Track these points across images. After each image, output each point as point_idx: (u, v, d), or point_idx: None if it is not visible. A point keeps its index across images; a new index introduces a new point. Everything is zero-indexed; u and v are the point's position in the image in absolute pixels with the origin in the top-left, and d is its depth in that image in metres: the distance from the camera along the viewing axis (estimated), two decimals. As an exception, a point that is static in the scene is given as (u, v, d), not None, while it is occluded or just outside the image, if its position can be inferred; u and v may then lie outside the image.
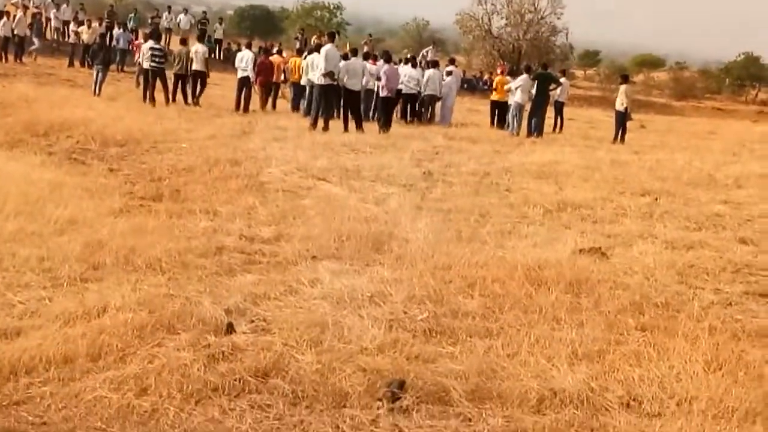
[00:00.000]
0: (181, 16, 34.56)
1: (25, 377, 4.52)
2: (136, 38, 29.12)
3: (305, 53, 21.68)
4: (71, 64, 28.48)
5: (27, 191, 8.61)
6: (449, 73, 22.07)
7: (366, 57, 21.04)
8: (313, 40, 28.89)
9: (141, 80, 22.28)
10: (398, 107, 20.56)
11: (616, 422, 4.44)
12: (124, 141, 13.35)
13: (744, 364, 5.22)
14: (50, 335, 4.99)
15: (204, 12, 40.34)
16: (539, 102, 20.38)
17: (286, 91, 23.56)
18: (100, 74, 21.32)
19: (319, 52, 17.76)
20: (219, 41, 35.55)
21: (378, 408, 4.43)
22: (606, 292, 6.64)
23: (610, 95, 35.30)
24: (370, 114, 20.09)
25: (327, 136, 15.74)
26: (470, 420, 4.42)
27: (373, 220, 8.81)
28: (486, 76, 35.76)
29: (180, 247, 7.20)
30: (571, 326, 5.77)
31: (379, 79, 19.50)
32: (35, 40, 28.20)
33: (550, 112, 22.08)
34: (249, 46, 22.57)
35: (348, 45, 25.16)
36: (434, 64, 21.92)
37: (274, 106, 22.42)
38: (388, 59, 20.11)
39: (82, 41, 28.39)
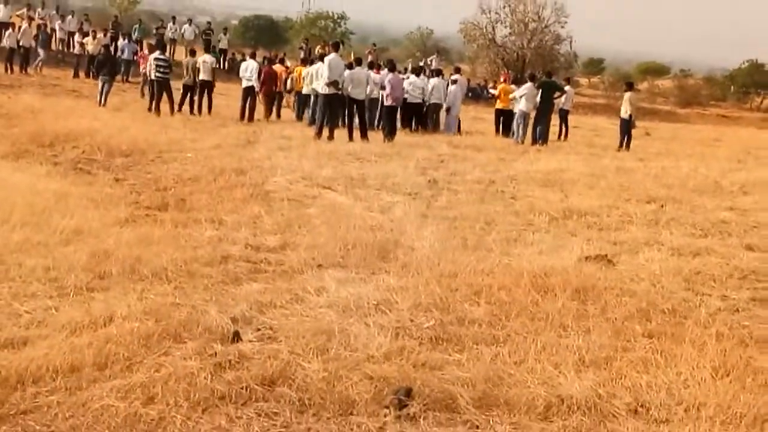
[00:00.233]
0: (186, 26, 34.75)
1: (32, 386, 4.52)
2: (141, 49, 29.20)
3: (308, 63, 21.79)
4: (76, 74, 28.57)
5: (33, 201, 8.62)
6: (454, 82, 22.10)
7: (370, 66, 21.09)
8: (317, 49, 28.97)
9: (146, 90, 22.38)
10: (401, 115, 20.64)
11: (624, 429, 4.43)
12: (130, 151, 13.37)
13: (752, 371, 5.20)
14: (57, 344, 4.99)
15: (209, 22, 40.57)
16: (544, 110, 20.39)
17: (291, 100, 23.64)
18: (106, 85, 21.37)
19: (323, 61, 17.81)
20: (224, 51, 35.64)
21: (385, 415, 4.42)
22: (613, 299, 6.63)
23: (614, 103, 35.35)
24: (375, 123, 20.13)
25: (332, 145, 15.76)
26: (477, 427, 4.41)
27: (379, 228, 8.80)
28: (490, 84, 35.75)
29: (186, 256, 7.21)
30: (577, 333, 5.76)
31: (383, 88, 19.53)
32: (40, 51, 28.28)
33: (555, 120, 22.11)
34: (253, 56, 22.68)
35: (352, 54, 25.22)
36: (438, 73, 21.92)
37: (278, 115, 22.48)
38: (392, 68, 20.15)
39: (87, 52, 28.52)
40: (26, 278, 6.35)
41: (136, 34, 31.84)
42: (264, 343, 5.35)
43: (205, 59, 21.63)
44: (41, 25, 30.17)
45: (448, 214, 9.93)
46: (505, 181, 12.54)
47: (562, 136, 22.71)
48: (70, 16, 33.39)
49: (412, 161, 13.81)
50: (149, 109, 20.23)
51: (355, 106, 17.71)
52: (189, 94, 21.20)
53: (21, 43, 27.57)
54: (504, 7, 43.89)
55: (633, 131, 21.00)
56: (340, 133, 17.28)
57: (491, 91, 25.36)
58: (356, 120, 17.82)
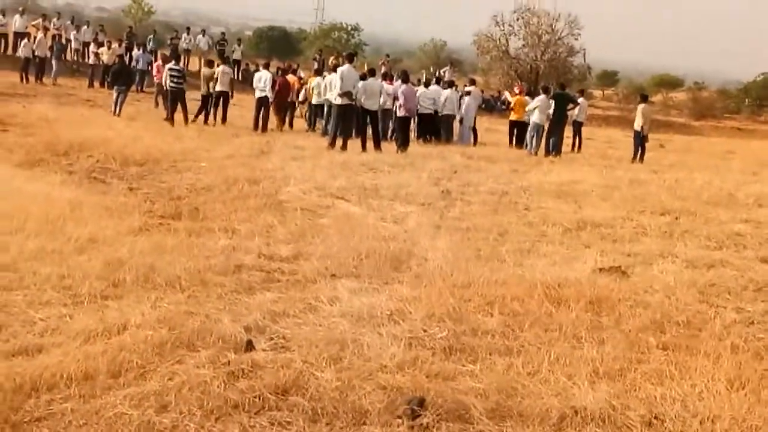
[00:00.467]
0: (200, 37, 34.92)
1: (46, 394, 4.54)
2: (155, 59, 29.36)
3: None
4: (91, 84, 28.74)
5: (48, 210, 8.65)
6: (468, 93, 22.12)
7: (383, 77, 21.14)
8: (331, 60, 29.06)
9: (160, 100, 22.48)
10: (417, 127, 20.70)
11: (639, 441, 4.41)
12: (144, 160, 13.41)
13: (767, 383, 5.16)
14: (71, 352, 5.02)
15: (222, 33, 40.76)
16: (557, 122, 20.41)
17: (303, 110, 23.71)
18: (120, 95, 21.48)
19: (336, 72, 17.85)
20: (237, 62, 35.76)
21: (398, 425, 4.42)
22: (627, 311, 6.61)
23: (628, 115, 35.23)
24: (388, 134, 20.17)
25: (345, 156, 15.77)
26: (491, 438, 4.40)
27: (392, 238, 8.81)
28: (504, 96, 35.75)
29: (199, 265, 7.23)
30: (591, 344, 5.74)
31: (396, 99, 19.56)
32: (54, 62, 28.44)
33: (569, 132, 22.09)
34: (267, 67, 22.72)
35: (366, 65, 25.28)
36: (451, 84, 21.94)
37: (291, 125, 22.55)
38: (405, 79, 20.17)
39: (102, 62, 28.66)
40: (41, 286, 6.37)
41: (150, 44, 32.00)
42: (277, 352, 5.36)
43: (224, 70, 21.69)
44: (56, 36, 30.40)
45: (461, 224, 9.93)
46: (518, 192, 12.51)
47: (576, 148, 22.69)
48: (85, 27, 33.67)
49: (425, 172, 13.80)
50: (166, 119, 20.31)
51: (368, 117, 17.73)
52: (207, 105, 21.29)
53: (36, 53, 27.84)
54: (518, 20, 43.75)
55: (647, 144, 20.97)
56: (353, 143, 17.30)
57: (508, 98, 25.31)
58: (369, 130, 17.85)
